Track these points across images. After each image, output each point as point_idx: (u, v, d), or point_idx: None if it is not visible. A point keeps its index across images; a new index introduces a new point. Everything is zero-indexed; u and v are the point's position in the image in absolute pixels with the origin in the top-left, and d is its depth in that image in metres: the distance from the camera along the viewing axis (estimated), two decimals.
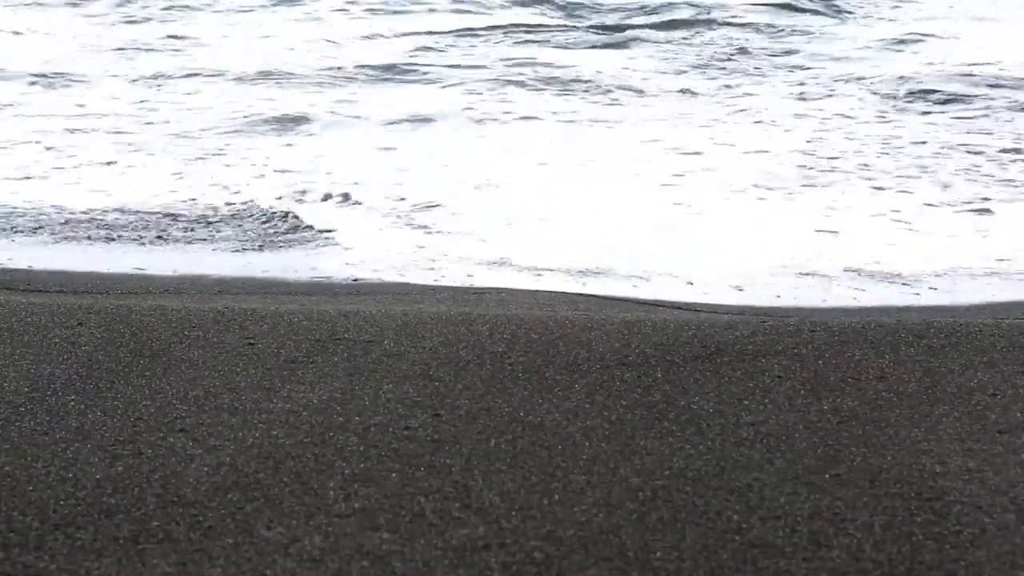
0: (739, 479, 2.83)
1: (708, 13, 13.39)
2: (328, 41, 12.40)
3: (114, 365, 3.61)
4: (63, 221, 6.74)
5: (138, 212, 6.94)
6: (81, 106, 9.74)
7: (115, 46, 11.82)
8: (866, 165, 7.90)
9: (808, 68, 11.26)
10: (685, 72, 11.13)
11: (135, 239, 6.40)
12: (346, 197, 7.25)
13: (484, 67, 11.30)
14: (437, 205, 7.03)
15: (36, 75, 10.66)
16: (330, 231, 6.60)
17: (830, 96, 10.08)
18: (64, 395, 3.35)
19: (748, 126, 9.13)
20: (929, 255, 6.18)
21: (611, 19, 13.41)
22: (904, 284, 5.74)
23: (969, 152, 8.20)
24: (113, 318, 4.10)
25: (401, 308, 4.44)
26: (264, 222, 6.81)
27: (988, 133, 8.75)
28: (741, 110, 9.65)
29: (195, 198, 7.25)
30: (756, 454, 2.97)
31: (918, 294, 5.58)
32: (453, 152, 8.37)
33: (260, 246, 6.35)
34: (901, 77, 10.52)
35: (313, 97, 10.17)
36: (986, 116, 9.29)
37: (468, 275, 5.73)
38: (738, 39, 12.38)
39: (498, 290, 5.32)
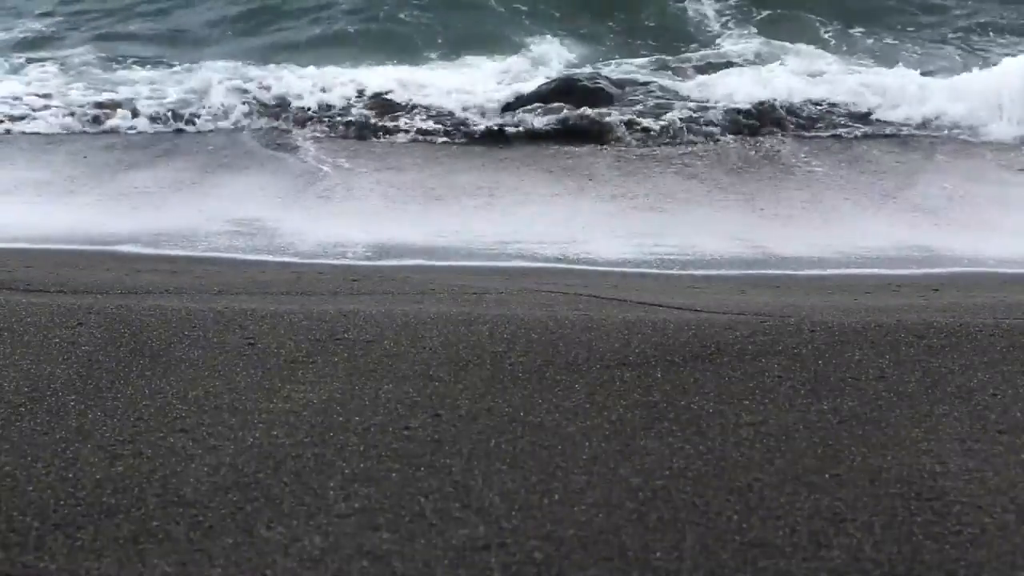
0: (739, 479, 2.83)
1: None
2: None
3: (114, 365, 3.61)
4: None
5: None
6: None
7: None
8: None
9: None
10: None
11: None
12: None
13: None
14: None
15: None
16: None
17: None
18: (64, 395, 3.34)
19: None
20: None
21: None
22: None
23: None
24: (113, 318, 4.09)
25: (401, 308, 4.44)
26: None
27: None
28: None
29: None
30: (756, 454, 2.97)
31: None
32: None
33: None
34: None
35: None
36: None
37: None
38: None
39: (498, 290, 5.32)
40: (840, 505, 2.69)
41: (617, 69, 11.83)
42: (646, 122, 10.12)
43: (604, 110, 10.32)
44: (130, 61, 12.07)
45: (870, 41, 12.70)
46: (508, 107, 10.60)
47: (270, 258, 6.93)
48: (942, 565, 2.45)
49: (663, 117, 10.29)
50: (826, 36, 12.83)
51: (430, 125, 10.30)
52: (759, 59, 12.17)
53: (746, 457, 2.95)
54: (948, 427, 3.15)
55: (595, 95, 10.55)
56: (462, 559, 2.47)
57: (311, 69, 11.76)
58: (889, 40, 12.73)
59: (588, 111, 10.19)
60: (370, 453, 2.96)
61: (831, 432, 3.11)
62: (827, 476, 2.84)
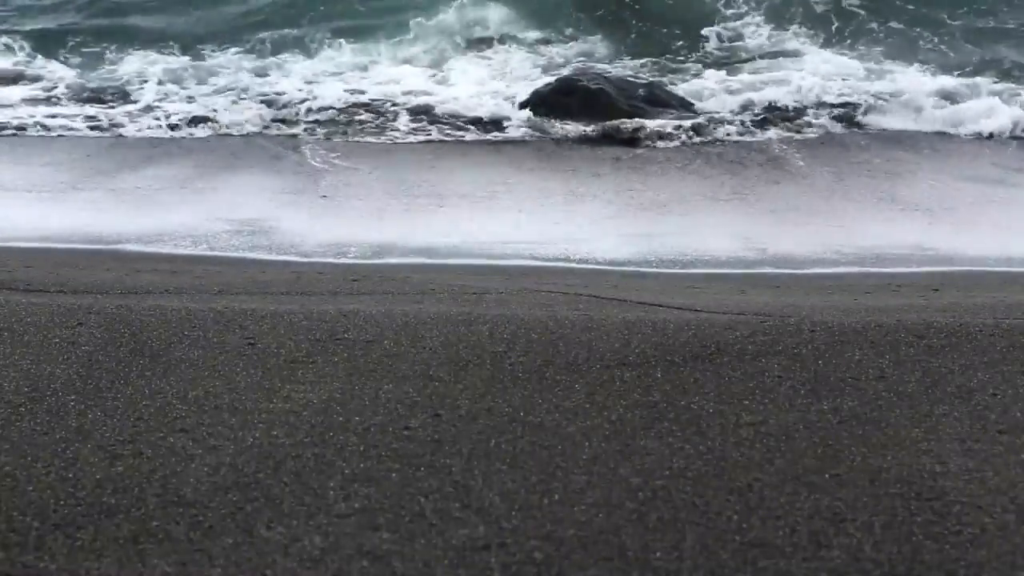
0: (739, 479, 2.83)
1: None
2: None
3: (114, 365, 3.61)
4: None
5: None
6: None
7: None
8: None
9: None
10: None
11: None
12: None
13: None
14: None
15: None
16: None
17: None
18: (64, 395, 3.34)
19: None
20: None
21: None
22: None
23: None
24: (113, 318, 4.09)
25: (401, 308, 4.44)
26: None
27: None
28: None
29: None
30: (756, 454, 2.97)
31: None
32: None
33: None
34: None
35: None
36: None
37: None
38: None
39: (498, 290, 5.32)
40: (840, 505, 2.69)
41: (619, 67, 11.83)
42: (647, 124, 10.13)
43: (605, 112, 10.32)
44: (130, 59, 12.06)
45: (874, 25, 12.60)
46: (509, 107, 10.60)
47: (270, 257, 6.94)
48: (942, 565, 2.45)
49: (664, 118, 10.29)
50: (834, 23, 12.75)
51: (430, 125, 10.31)
52: (763, 55, 12.14)
53: (746, 457, 2.95)
54: (948, 427, 3.15)
55: (595, 96, 10.55)
56: (462, 559, 2.47)
57: (313, 68, 11.76)
58: (895, 24, 12.62)
59: (587, 122, 10.18)
60: (370, 453, 2.96)
61: (831, 432, 3.11)
62: (827, 476, 2.84)
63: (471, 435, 3.08)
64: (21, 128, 10.20)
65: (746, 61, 11.97)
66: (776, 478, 2.83)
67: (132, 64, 11.90)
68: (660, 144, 9.82)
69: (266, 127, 10.32)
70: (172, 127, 10.28)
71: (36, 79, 11.57)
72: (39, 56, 12.20)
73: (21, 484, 2.77)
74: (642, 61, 12.08)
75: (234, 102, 10.79)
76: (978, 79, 11.20)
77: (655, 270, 6.84)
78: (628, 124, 10.05)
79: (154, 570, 2.41)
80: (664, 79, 11.48)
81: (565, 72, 11.56)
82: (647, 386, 3.45)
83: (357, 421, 3.16)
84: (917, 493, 2.75)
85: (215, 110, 10.58)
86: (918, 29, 12.66)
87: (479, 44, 12.56)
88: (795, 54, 12.07)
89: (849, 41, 12.44)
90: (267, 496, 2.73)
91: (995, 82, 11.16)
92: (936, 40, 12.46)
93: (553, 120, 10.25)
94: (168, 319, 4.09)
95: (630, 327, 4.04)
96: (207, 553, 2.48)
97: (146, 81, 11.42)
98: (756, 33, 12.64)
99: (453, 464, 2.90)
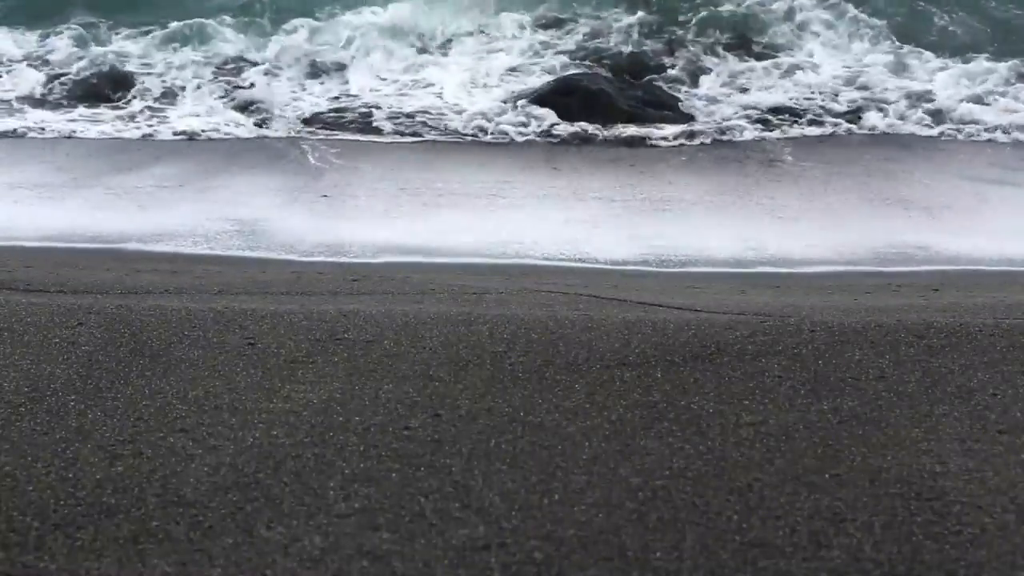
0: (739, 479, 2.83)
1: None
2: None
3: (114, 365, 3.61)
4: None
5: None
6: None
7: None
8: None
9: None
10: None
11: None
12: None
13: None
14: None
15: None
16: None
17: None
18: (64, 395, 3.35)
19: None
20: None
21: None
22: None
23: None
24: (113, 318, 4.09)
25: (401, 308, 4.44)
26: None
27: None
28: None
29: None
30: (756, 454, 2.97)
31: None
32: None
33: None
34: None
35: None
36: None
37: None
38: None
39: (498, 290, 5.32)
40: (840, 505, 2.69)
41: (619, 64, 11.74)
42: (647, 124, 10.12)
43: (605, 113, 10.31)
44: (132, 49, 11.99)
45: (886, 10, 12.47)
46: (509, 107, 10.59)
47: (270, 257, 6.94)
48: (942, 565, 2.45)
49: (664, 118, 10.29)
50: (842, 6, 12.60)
51: (429, 124, 10.31)
52: (769, 50, 12.02)
53: (746, 457, 2.95)
54: (948, 427, 3.15)
55: (595, 96, 10.54)
56: (462, 559, 2.47)
57: (311, 65, 11.74)
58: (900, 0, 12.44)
59: (586, 124, 10.16)
60: (370, 453, 2.96)
61: (831, 432, 3.11)
62: (827, 476, 2.84)
63: (471, 435, 3.08)
64: (21, 129, 10.20)
65: (752, 43, 11.85)
66: (776, 478, 2.83)
67: (133, 55, 11.83)
68: (660, 144, 9.82)
69: (265, 126, 10.32)
70: (173, 127, 10.28)
71: (35, 69, 11.54)
72: (36, 45, 12.13)
73: (21, 484, 2.77)
74: (647, 57, 11.95)
75: (233, 100, 10.77)
76: (986, 72, 11.04)
77: (655, 270, 6.84)
78: (628, 124, 10.04)
79: (154, 570, 2.41)
80: (667, 60, 11.41)
81: (566, 61, 11.54)
82: (647, 386, 3.45)
83: (357, 421, 3.16)
84: (917, 493, 2.75)
85: (215, 110, 10.57)
86: (921, 5, 12.50)
87: (481, 27, 12.44)
88: (801, 34, 11.91)
89: (850, 15, 12.27)
90: (267, 496, 2.73)
91: (1005, 81, 11.03)
92: (945, 17, 12.25)
93: (553, 120, 10.24)
94: (168, 319, 4.09)
95: (630, 327, 4.04)
96: (207, 553, 2.48)
97: (149, 75, 11.40)
98: (767, 32, 12.37)
99: (453, 464, 2.90)
